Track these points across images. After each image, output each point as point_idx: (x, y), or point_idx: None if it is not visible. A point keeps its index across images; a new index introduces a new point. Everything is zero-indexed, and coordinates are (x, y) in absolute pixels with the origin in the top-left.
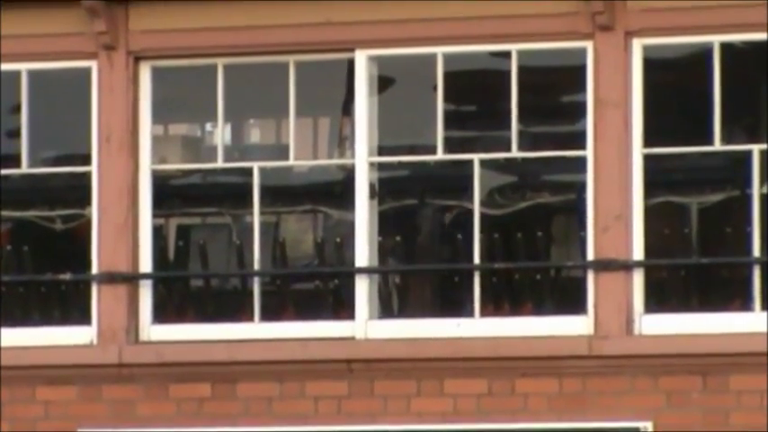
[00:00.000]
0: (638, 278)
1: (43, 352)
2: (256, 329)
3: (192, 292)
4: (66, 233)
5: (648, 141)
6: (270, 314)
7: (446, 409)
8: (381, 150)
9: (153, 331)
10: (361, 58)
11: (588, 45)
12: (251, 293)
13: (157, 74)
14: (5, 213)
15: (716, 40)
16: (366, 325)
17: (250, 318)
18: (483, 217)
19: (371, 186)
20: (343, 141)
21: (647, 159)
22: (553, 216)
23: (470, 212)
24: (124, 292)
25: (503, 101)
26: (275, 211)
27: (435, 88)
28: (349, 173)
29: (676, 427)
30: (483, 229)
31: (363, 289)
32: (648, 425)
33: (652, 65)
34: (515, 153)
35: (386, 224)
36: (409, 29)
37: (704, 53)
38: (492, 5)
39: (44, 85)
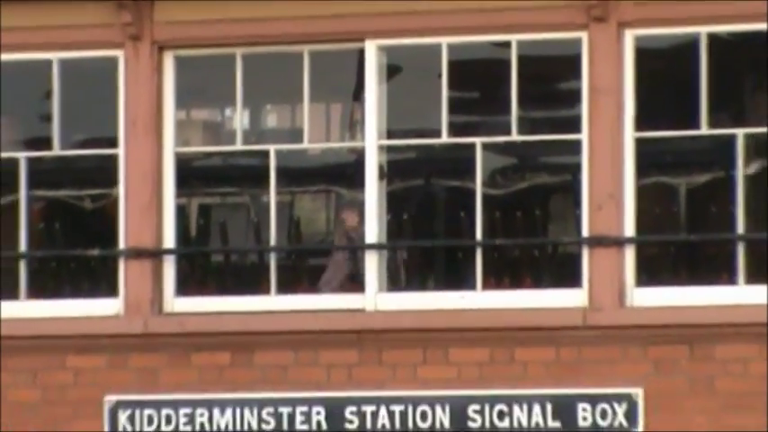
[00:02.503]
0: (629, 254)
1: (73, 323)
2: (272, 302)
3: (213, 266)
4: (94, 212)
5: (639, 126)
6: (285, 287)
7: (450, 376)
8: (390, 134)
9: (176, 303)
10: (371, 48)
11: (583, 36)
12: (267, 268)
13: (180, 62)
14: (38, 193)
15: (703, 30)
16: (375, 298)
17: (267, 291)
18: (485, 197)
19: (380, 168)
20: (353, 126)
21: (639, 143)
22: (550, 195)
23: (473, 192)
24: (149, 266)
25: (503, 88)
26: (290, 191)
27: (440, 76)
28: (359, 155)
29: (665, 392)
30: (485, 208)
31: (373, 264)
32: (639, 391)
33: (643, 54)
34: (515, 137)
35: (394, 203)
36: (415, 20)
37: (692, 43)
38: (484, 2)
39: (74, 73)
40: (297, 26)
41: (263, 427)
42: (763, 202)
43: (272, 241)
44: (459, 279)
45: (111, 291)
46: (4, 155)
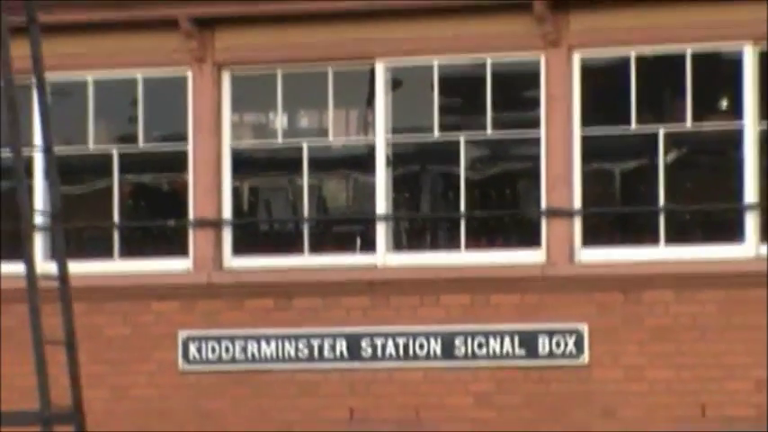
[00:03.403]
0: (577, 222)
1: (154, 276)
2: (306, 260)
3: (260, 233)
4: (170, 192)
5: (585, 125)
6: (315, 249)
7: (441, 316)
8: (394, 131)
9: (232, 261)
10: (380, 67)
11: (541, 56)
12: (301, 234)
13: (234, 78)
14: (128, 178)
15: (632, 52)
16: (384, 256)
17: (301, 251)
18: (467, 180)
19: (387, 157)
20: (367, 125)
21: (584, 138)
22: (517, 179)
23: (458, 176)
24: (212, 233)
25: (480, 96)
26: (318, 176)
27: (432, 87)
28: (371, 148)
29: (604, 328)
30: (467, 188)
31: (382, 230)
32: (584, 326)
33: (587, 70)
34: (489, 133)
35: (398, 184)
36: (413, 44)
37: (624, 61)
38: (473, 27)
39: (154, 86)
40: (323, 50)
41: (299, 355)
42: (679, 183)
43: (305, 213)
44: (447, 242)
45: (183, 252)
46: (101, 149)
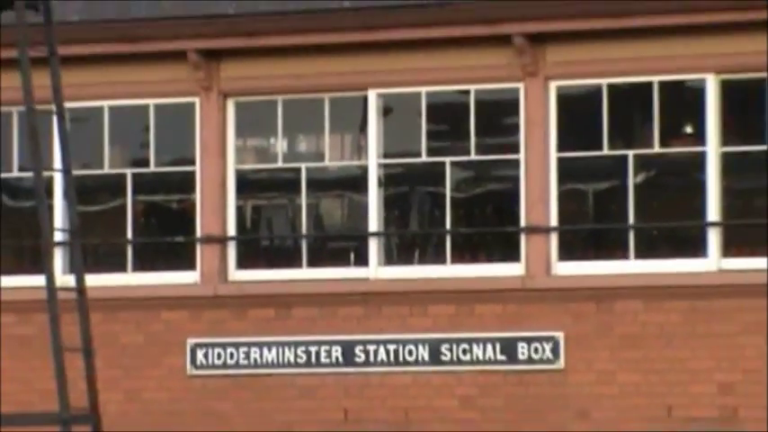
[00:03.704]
0: (553, 238)
1: (164, 288)
2: (304, 273)
3: (262, 248)
4: (179, 211)
5: (560, 148)
6: (312, 263)
7: (429, 325)
8: (385, 155)
9: (236, 274)
10: (372, 96)
11: (521, 85)
12: (300, 249)
13: (238, 106)
14: (140, 198)
15: (604, 82)
16: (376, 270)
17: (300, 265)
18: (452, 199)
19: (379, 179)
20: (360, 149)
21: (560, 160)
22: (498, 198)
23: (444, 196)
24: (217, 249)
25: (465, 122)
26: (316, 196)
27: (420, 114)
28: (364, 170)
29: (578, 335)
30: (452, 207)
31: (374, 246)
32: (560, 334)
33: (562, 98)
34: (473, 156)
35: (388, 204)
36: (403, 75)
37: (597, 91)
38: (458, 59)
39: (164, 113)
40: (319, 80)
41: (298, 361)
42: (647, 202)
43: (304, 230)
44: (434, 257)
45: (191, 266)
46: (116, 171)
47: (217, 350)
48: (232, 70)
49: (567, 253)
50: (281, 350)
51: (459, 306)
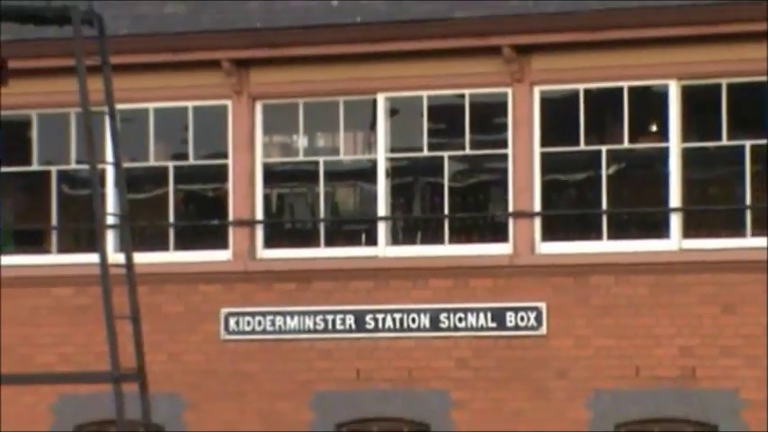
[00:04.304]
0: (537, 222)
1: (202, 264)
2: (322, 251)
3: (285, 230)
4: (214, 198)
5: (543, 144)
6: (329, 243)
7: (429, 297)
8: (392, 149)
9: (263, 253)
10: (381, 99)
11: (509, 90)
12: (318, 231)
13: (265, 107)
14: (180, 187)
15: (581, 87)
16: (384, 249)
17: (318, 245)
18: (450, 188)
19: (387, 171)
20: (370, 145)
21: (543, 155)
22: (489, 187)
23: (443, 186)
24: (247, 231)
25: (461, 121)
26: (332, 185)
27: (422, 114)
28: (374, 163)
29: (558, 305)
30: (450, 195)
31: (383, 228)
32: (543, 305)
33: (545, 101)
34: (468, 151)
35: (395, 192)
36: (407, 81)
37: (575, 94)
38: (455, 67)
39: (201, 113)
40: (335, 85)
41: (317, 327)
42: (618, 191)
43: (321, 215)
44: (434, 238)
45: (224, 245)
46: (159, 164)
47: (246, 318)
48: (260, 77)
49: (548, 234)
50: (301, 318)
51: (456, 280)
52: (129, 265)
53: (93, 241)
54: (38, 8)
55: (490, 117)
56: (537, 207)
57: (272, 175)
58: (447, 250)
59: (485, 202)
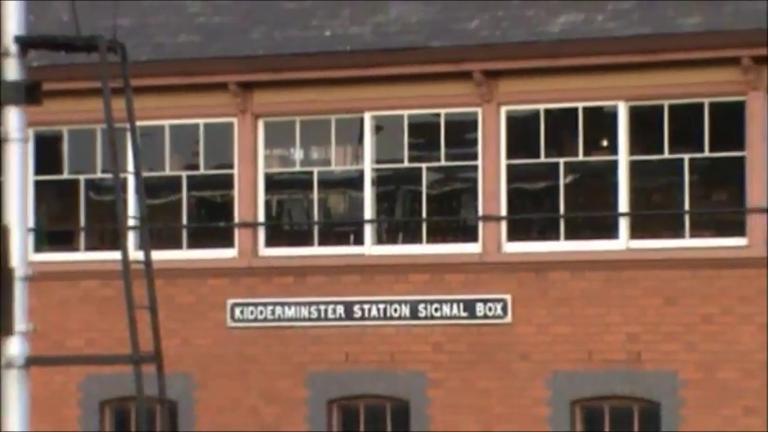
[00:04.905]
0: (503, 225)
1: (211, 261)
2: (315, 250)
3: (284, 231)
4: (222, 203)
5: (508, 157)
6: (322, 242)
7: (409, 289)
8: (377, 161)
9: (265, 251)
10: (368, 117)
11: (479, 110)
12: (312, 232)
13: (267, 125)
14: (192, 193)
15: (541, 107)
16: (370, 248)
17: (312, 244)
18: (427, 195)
19: (372, 179)
20: (358, 157)
21: (508, 166)
22: (462, 194)
23: (421, 193)
24: (251, 231)
25: (437, 137)
26: (324, 192)
27: (403, 131)
28: (361, 173)
29: (521, 297)
30: (427, 201)
31: (369, 230)
32: (509, 296)
33: (511, 119)
34: (443, 163)
35: (379, 198)
36: (390, 102)
37: (536, 113)
38: (431, 90)
39: (211, 129)
40: (328, 104)
41: (311, 316)
42: (574, 198)
43: (315, 218)
44: (413, 238)
45: (231, 244)
46: (174, 173)
47: (250, 308)
48: (262, 98)
49: (513, 235)
50: (297, 308)
51: (432, 275)
52: (147, 261)
53: (115, 240)
54: (69, 37)
55: (462, 133)
56: (503, 211)
57: (272, 183)
58: (425, 249)
59: (457, 207)
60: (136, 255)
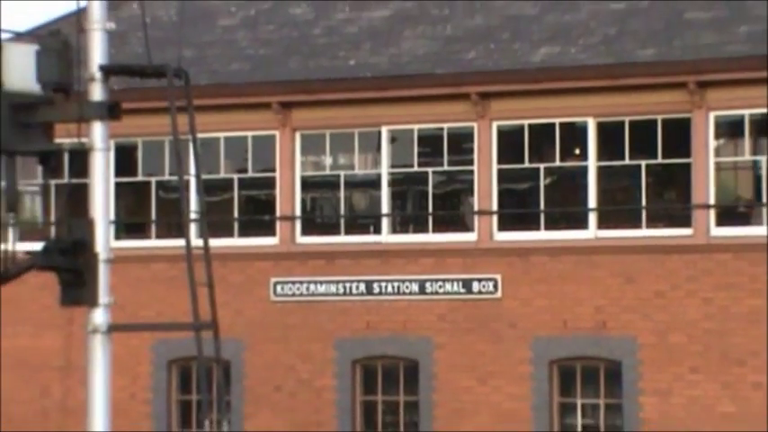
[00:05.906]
0: (495, 218)
1: (257, 247)
2: (342, 238)
3: (317, 223)
4: (266, 200)
5: (500, 163)
6: (348, 232)
7: (419, 270)
8: (392, 166)
9: (301, 239)
10: (384, 130)
11: (475, 124)
12: (340, 223)
13: (303, 137)
14: (242, 192)
15: (526, 122)
16: (386, 236)
17: (339, 233)
18: (433, 194)
19: (389, 181)
20: (377, 163)
21: (499, 171)
22: (461, 193)
23: (428, 192)
24: (289, 223)
25: (440, 147)
26: (349, 191)
27: (413, 141)
28: (379, 176)
29: (512, 277)
30: (433, 199)
31: (385, 222)
32: (499, 276)
33: (501, 133)
34: (446, 167)
35: (394, 197)
36: (403, 118)
37: (521, 128)
38: (436, 108)
39: (257, 141)
40: (351, 120)
41: (338, 292)
42: (552, 196)
43: (342, 212)
44: (422, 229)
45: (273, 233)
46: (227, 176)
47: (288, 285)
48: (299, 115)
49: (503, 226)
50: (327, 286)
51: (438, 259)
52: (206, 247)
53: (180, 230)
54: (142, 66)
55: (461, 144)
56: (494, 207)
57: (306, 184)
58: (430, 237)
59: (457, 203)
60: (196, 242)
